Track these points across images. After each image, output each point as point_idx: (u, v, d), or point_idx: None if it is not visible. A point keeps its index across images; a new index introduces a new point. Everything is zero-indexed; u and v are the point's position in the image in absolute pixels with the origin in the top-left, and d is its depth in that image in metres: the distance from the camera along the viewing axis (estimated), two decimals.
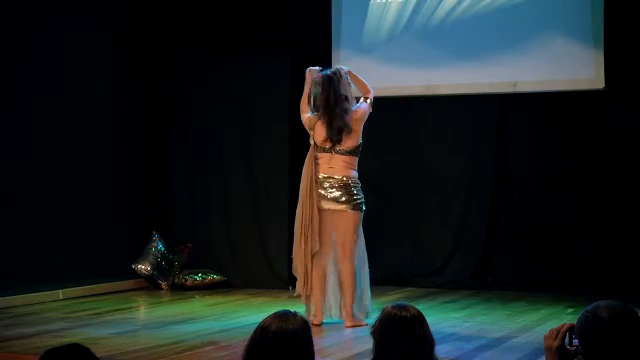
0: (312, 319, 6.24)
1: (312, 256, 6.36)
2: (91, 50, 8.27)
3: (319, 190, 6.39)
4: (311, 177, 6.40)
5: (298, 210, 6.46)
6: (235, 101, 8.80)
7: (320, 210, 6.39)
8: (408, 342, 2.79)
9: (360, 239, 6.48)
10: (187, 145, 8.99)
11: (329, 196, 6.39)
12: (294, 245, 6.52)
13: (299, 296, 6.53)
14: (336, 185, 6.39)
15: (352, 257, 6.38)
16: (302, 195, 6.45)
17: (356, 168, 6.50)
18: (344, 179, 6.41)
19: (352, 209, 6.39)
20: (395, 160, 8.75)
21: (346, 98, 6.43)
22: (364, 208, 6.47)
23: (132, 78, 8.69)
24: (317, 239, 6.34)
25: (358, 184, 6.48)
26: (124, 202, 8.59)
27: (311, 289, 6.39)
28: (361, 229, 6.49)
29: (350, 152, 6.45)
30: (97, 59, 8.34)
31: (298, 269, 6.46)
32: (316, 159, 6.46)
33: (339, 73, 6.47)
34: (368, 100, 6.56)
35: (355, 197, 6.41)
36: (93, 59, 8.28)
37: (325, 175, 6.42)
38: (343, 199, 6.39)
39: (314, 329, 2.79)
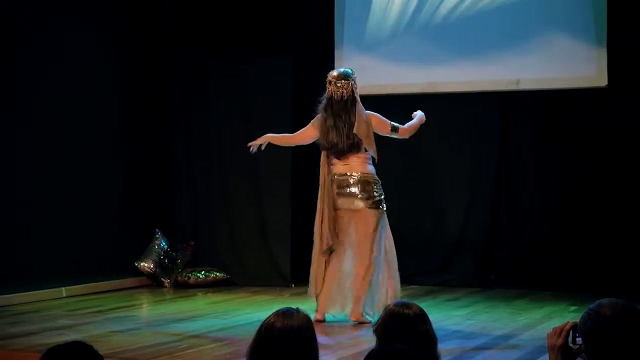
0: (315, 315, 6.23)
1: (328, 255, 6.34)
2: (91, 50, 8.26)
3: (337, 189, 6.35)
4: (325, 178, 6.38)
5: (317, 211, 6.43)
6: (237, 100, 8.79)
7: (338, 209, 6.36)
8: (411, 339, 2.78)
9: (385, 237, 6.38)
10: (189, 143, 8.99)
11: (346, 194, 6.34)
12: (313, 249, 6.47)
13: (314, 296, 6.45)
14: (354, 182, 6.34)
15: (368, 255, 6.30)
16: (319, 196, 6.41)
17: (371, 161, 6.46)
18: (362, 175, 6.35)
19: (369, 207, 6.32)
20: (397, 158, 8.74)
21: (356, 103, 6.40)
22: (383, 206, 6.39)
23: (133, 78, 8.69)
24: (330, 235, 6.30)
25: (377, 181, 6.41)
26: (127, 200, 8.60)
27: (321, 287, 6.36)
28: (387, 227, 6.41)
29: (362, 149, 6.40)
30: (98, 59, 8.33)
31: (314, 269, 6.42)
32: (329, 159, 6.43)
33: (352, 79, 6.42)
34: (392, 125, 6.51)
35: (373, 194, 6.34)
36: (93, 59, 8.27)
37: (343, 173, 6.37)
38: (360, 196, 6.33)
39: (316, 326, 2.80)
